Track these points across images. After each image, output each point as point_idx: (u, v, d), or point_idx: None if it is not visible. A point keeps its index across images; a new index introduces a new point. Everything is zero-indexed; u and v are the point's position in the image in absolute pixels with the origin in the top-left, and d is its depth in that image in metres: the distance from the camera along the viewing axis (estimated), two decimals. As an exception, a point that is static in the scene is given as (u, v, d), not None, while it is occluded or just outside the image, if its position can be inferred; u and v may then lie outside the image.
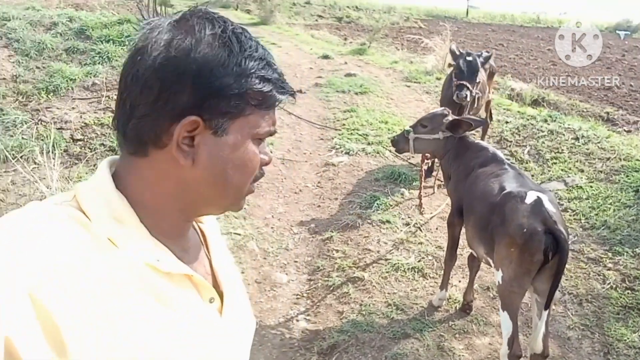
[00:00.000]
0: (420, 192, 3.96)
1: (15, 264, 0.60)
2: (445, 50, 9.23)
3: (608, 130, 6.57)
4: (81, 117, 7.45)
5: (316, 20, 20.69)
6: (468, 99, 4.78)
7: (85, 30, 8.53)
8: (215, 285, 0.85)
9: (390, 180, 5.18)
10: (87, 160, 7.08)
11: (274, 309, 3.57)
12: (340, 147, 5.95)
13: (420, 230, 4.38)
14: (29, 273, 0.60)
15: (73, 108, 7.53)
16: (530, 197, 2.51)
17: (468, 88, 4.78)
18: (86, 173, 6.09)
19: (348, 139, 6.18)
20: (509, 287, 2.54)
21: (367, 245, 4.14)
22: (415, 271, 3.83)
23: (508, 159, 3.43)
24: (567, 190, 5.01)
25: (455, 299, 3.60)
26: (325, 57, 10.53)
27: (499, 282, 2.59)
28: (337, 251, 4.09)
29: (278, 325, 3.42)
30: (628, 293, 3.68)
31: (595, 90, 11.46)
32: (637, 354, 3.23)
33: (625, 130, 7.82)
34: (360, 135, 6.31)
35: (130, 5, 17.36)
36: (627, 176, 4.90)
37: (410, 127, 3.53)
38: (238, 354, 0.88)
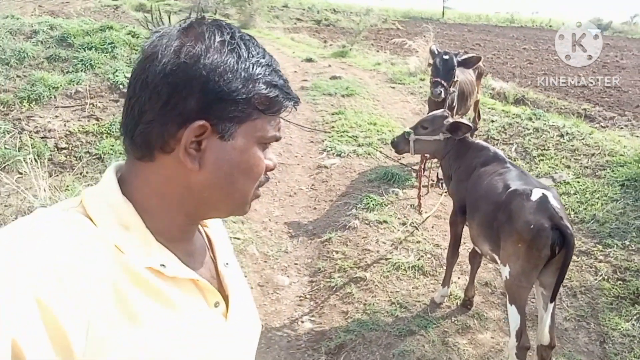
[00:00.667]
0: (419, 193, 4.03)
1: (21, 268, 0.60)
2: (428, 51, 9.38)
3: (589, 126, 6.75)
4: (65, 125, 7.36)
5: (295, 23, 20.75)
6: (442, 95, 4.85)
7: (67, 37, 8.42)
8: (221, 289, 0.86)
9: (383, 181, 5.25)
10: (73, 169, 6.99)
11: (278, 312, 3.60)
12: (331, 150, 6.00)
13: (417, 229, 4.45)
14: (35, 276, 0.60)
15: (56, 116, 7.43)
16: (536, 195, 2.59)
17: (443, 85, 4.86)
18: (73, 182, 6.01)
19: (338, 141, 6.24)
20: (516, 281, 2.61)
21: (366, 245, 4.20)
22: (415, 269, 3.90)
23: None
24: (555, 186, 5.14)
25: (455, 296, 3.68)
26: (309, 60, 10.58)
27: (506, 277, 2.66)
28: (337, 252, 4.14)
29: (284, 327, 3.45)
30: (620, 284, 3.81)
31: (571, 88, 11.73)
32: (631, 342, 3.34)
33: (602, 126, 8.05)
34: (350, 137, 6.38)
35: (107, 11, 17.17)
36: (613, 171, 5.07)
37: (410, 128, 3.60)
38: (243, 358, 0.89)
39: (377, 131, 6.53)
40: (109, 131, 7.64)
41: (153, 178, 0.77)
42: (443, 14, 29.60)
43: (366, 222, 4.49)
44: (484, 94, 8.87)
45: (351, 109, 7.41)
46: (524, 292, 2.64)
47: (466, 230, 3.49)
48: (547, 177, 5.26)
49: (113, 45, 9.00)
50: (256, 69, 0.76)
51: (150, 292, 0.71)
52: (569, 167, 5.44)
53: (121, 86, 8.02)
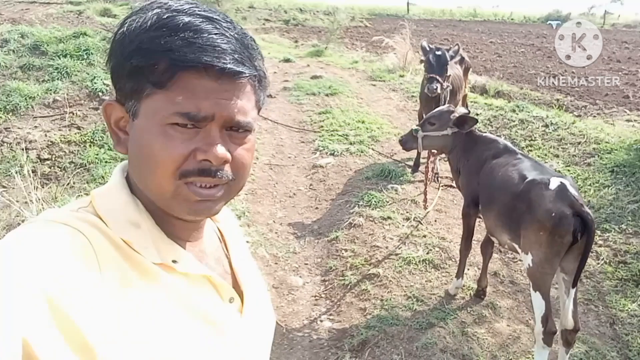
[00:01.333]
0: (425, 188, 4.10)
1: (31, 268, 0.59)
2: (406, 48, 9.49)
3: (571, 116, 6.97)
4: (46, 135, 7.18)
5: (263, 24, 20.67)
6: (439, 90, 4.96)
7: (40, 45, 8.20)
8: (235, 285, 0.84)
9: (381, 178, 5.31)
10: (58, 180, 6.82)
11: (296, 312, 3.61)
12: (324, 149, 6.03)
13: (421, 223, 4.52)
14: (45, 276, 0.59)
15: (36, 127, 7.24)
16: (554, 183, 2.68)
17: (438, 81, 4.96)
18: (61, 193, 5.87)
19: (330, 140, 6.27)
20: (540, 268, 2.69)
21: (374, 242, 4.24)
22: (426, 263, 3.97)
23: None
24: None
25: (468, 287, 3.76)
26: (287, 60, 10.58)
27: (529, 265, 2.74)
28: (346, 250, 4.17)
29: (303, 328, 3.46)
30: (622, 266, 3.96)
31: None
32: (639, 322, 3.49)
33: (576, 115, 8.33)
34: (340, 135, 6.42)
35: (70, 17, 16.73)
36: (601, 158, 5.26)
37: (417, 125, 3.66)
38: (259, 353, 0.87)
39: (367, 129, 6.59)
40: (92, 140, 7.47)
41: None
42: (408, 10, 29.98)
43: (370, 219, 4.54)
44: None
45: (337, 108, 7.45)
46: (548, 279, 2.73)
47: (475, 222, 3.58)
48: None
49: (88, 51, 8.80)
50: (141, 36, 0.68)
51: (163, 288, 0.70)
52: (557, 156, 5.62)
53: (100, 93, 7.85)
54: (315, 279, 3.97)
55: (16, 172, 5.17)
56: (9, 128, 7.01)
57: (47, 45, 8.21)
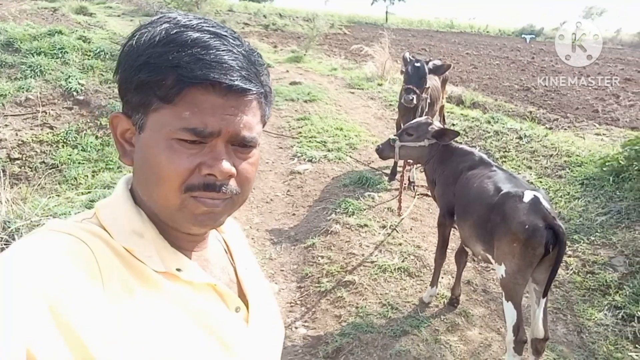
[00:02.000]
0: (400, 196, 4.15)
1: (34, 277, 0.59)
2: (385, 57, 9.60)
3: (544, 129, 7.14)
4: (17, 134, 7.04)
5: (243, 28, 20.63)
6: (415, 101, 5.03)
7: (13, 42, 8.04)
8: (241, 294, 0.84)
9: (358, 185, 5.35)
10: (29, 180, 6.68)
11: (271, 319, 3.60)
12: (302, 155, 6.05)
13: (397, 231, 4.57)
14: (48, 285, 0.59)
15: (6, 125, 7.09)
16: (528, 196, 2.75)
17: (415, 91, 5.03)
18: (31, 194, 5.75)
19: (308, 146, 6.29)
20: (512, 279, 2.75)
21: (350, 249, 4.26)
22: (401, 271, 4.01)
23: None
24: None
25: (442, 295, 3.81)
26: (267, 66, 10.57)
27: (502, 275, 2.80)
28: (322, 257, 4.18)
29: (278, 335, 3.45)
30: (589, 276, 4.07)
31: (515, 91, 12.34)
32: (606, 330, 3.59)
33: (547, 128, 8.54)
34: (318, 142, 6.44)
35: (45, 14, 16.40)
36: (572, 171, 5.40)
37: (395, 135, 3.71)
38: None
39: (345, 136, 6.63)
40: (65, 140, 7.33)
41: None
42: (386, 19, 30.34)
43: (347, 226, 4.57)
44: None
45: (316, 115, 7.48)
46: (520, 289, 2.79)
47: (450, 232, 3.64)
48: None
49: (63, 50, 8.65)
50: (148, 51, 0.68)
51: (167, 297, 0.70)
52: (530, 167, 5.75)
53: (75, 93, 7.72)
54: (291, 285, 3.97)
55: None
56: (-22, 126, 6.82)
57: (21, 42, 8.05)
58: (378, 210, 4.91)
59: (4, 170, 6.30)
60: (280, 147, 6.44)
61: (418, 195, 5.29)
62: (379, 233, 4.52)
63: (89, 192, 5.47)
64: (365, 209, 4.88)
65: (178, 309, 0.71)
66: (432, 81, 5.61)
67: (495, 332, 3.54)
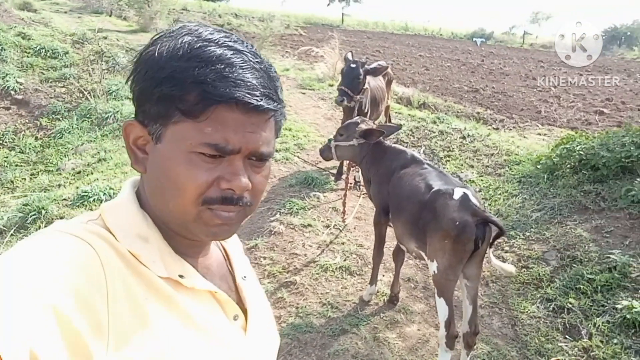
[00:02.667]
0: (344, 199, 4.18)
1: (39, 278, 0.59)
2: (335, 58, 9.66)
3: (487, 129, 7.35)
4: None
5: (196, 27, 20.30)
6: (345, 102, 5.06)
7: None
8: (240, 302, 0.84)
9: (304, 185, 5.35)
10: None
11: (210, 322, 3.55)
12: (249, 156, 6.00)
13: (341, 231, 4.60)
14: (52, 286, 0.59)
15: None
16: (458, 193, 2.81)
17: (346, 93, 5.06)
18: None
19: (255, 147, 6.25)
20: (444, 275, 2.81)
21: (293, 249, 4.26)
22: (343, 270, 4.03)
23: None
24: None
25: (382, 293, 3.86)
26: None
27: (434, 271, 2.85)
28: (265, 258, 4.16)
29: (217, 338, 3.41)
30: (524, 271, 4.21)
31: (465, 93, 12.66)
32: (538, 323, 3.71)
33: (494, 128, 8.80)
34: (266, 142, 6.41)
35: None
36: (510, 169, 5.58)
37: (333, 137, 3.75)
38: None
39: (293, 136, 6.63)
40: (1, 141, 7.02)
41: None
42: (342, 20, 30.56)
43: (291, 226, 4.56)
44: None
45: (265, 115, 7.44)
46: (451, 285, 2.85)
47: (389, 230, 3.69)
48: (454, 177, 5.67)
49: (1, 47, 8.30)
50: (172, 63, 0.68)
51: (169, 303, 0.71)
52: (472, 166, 5.90)
53: (12, 92, 7.41)
54: (233, 287, 3.93)
55: None
56: None
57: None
58: (323, 210, 4.93)
59: None
60: (228, 148, 6.38)
61: (363, 194, 5.33)
62: (323, 233, 4.53)
63: (25, 196, 5.26)
64: (310, 209, 4.89)
65: (180, 315, 0.71)
66: (376, 81, 5.67)
67: (433, 328, 3.60)
